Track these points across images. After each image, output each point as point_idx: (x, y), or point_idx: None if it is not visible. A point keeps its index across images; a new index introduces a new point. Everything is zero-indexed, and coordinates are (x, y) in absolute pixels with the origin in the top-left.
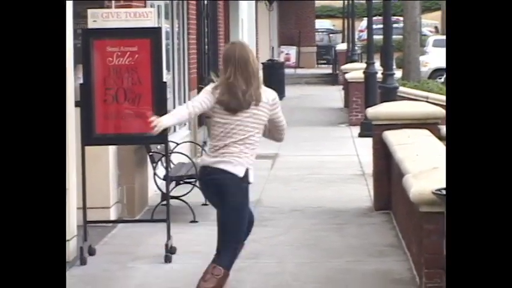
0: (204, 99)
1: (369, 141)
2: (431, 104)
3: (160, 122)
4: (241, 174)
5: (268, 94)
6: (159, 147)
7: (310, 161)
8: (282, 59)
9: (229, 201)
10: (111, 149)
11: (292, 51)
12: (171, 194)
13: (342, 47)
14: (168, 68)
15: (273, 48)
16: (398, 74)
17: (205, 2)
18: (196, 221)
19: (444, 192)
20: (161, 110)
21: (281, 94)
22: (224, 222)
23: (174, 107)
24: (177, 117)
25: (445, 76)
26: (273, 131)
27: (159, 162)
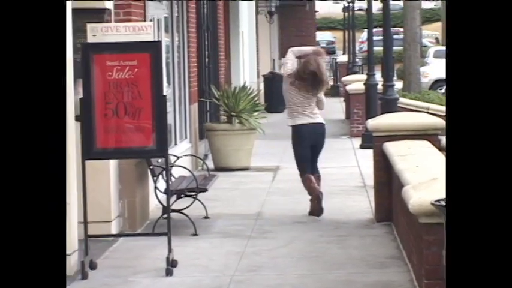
0: None
1: (370, 153)
2: (431, 115)
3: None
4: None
5: None
6: (159, 160)
7: None
8: (282, 71)
9: None
10: (112, 163)
11: None
12: (172, 207)
13: (342, 58)
14: (168, 82)
15: (274, 60)
16: (399, 85)
17: (205, 15)
18: (198, 234)
19: (443, 203)
20: (161, 123)
21: (282, 106)
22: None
23: (174, 121)
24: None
25: (445, 87)
26: (317, 103)
27: (160, 176)
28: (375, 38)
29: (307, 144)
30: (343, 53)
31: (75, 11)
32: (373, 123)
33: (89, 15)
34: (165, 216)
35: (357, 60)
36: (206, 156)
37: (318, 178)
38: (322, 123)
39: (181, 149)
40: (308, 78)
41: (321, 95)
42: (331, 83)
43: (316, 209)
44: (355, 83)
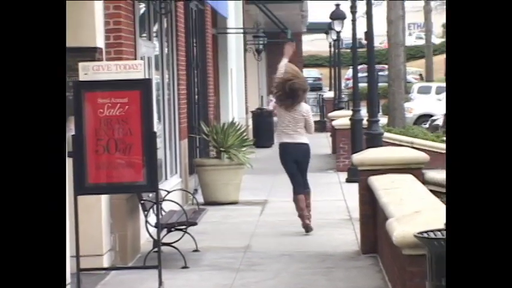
0: None
1: (356, 187)
2: (415, 150)
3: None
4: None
5: (303, 107)
6: (150, 195)
7: None
8: (271, 107)
9: None
10: (104, 198)
11: None
12: (163, 240)
13: (329, 94)
14: (159, 118)
15: (262, 97)
16: (384, 120)
17: (195, 53)
18: (188, 267)
19: (426, 235)
20: (152, 159)
21: (270, 141)
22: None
23: (165, 157)
24: None
25: (429, 122)
26: (305, 126)
27: (151, 210)
28: (360, 74)
29: (290, 160)
30: (330, 89)
31: (67, 49)
32: (358, 157)
33: (81, 53)
34: (156, 249)
35: (343, 96)
36: (196, 190)
37: (308, 193)
38: (304, 142)
39: (171, 184)
40: (285, 87)
41: (309, 118)
42: (318, 118)
43: (303, 225)
44: (341, 118)
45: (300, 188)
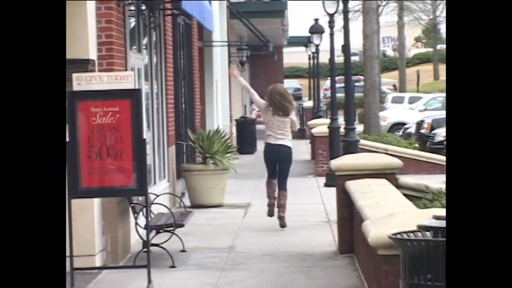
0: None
1: (334, 191)
2: (389, 156)
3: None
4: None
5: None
6: (140, 198)
7: None
8: (253, 115)
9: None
10: (96, 201)
11: None
12: (152, 241)
13: (308, 104)
14: (148, 126)
15: (245, 106)
16: (360, 128)
17: (182, 64)
18: (175, 267)
19: (399, 236)
20: (141, 164)
21: (253, 148)
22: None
23: (154, 162)
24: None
25: (402, 130)
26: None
27: (140, 213)
28: (337, 85)
29: (271, 159)
30: (309, 99)
31: None
32: (336, 163)
33: (75, 65)
34: (145, 249)
35: (322, 105)
36: (183, 194)
37: (284, 195)
38: (286, 145)
39: (160, 188)
40: (276, 100)
41: (293, 116)
42: (298, 126)
43: (268, 211)
44: (320, 126)
45: (273, 176)
